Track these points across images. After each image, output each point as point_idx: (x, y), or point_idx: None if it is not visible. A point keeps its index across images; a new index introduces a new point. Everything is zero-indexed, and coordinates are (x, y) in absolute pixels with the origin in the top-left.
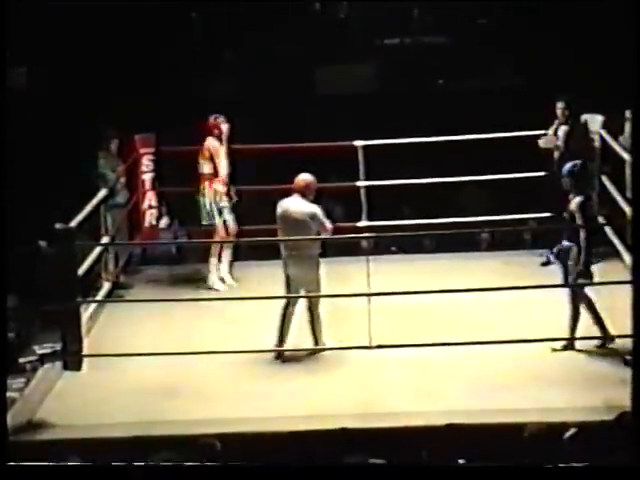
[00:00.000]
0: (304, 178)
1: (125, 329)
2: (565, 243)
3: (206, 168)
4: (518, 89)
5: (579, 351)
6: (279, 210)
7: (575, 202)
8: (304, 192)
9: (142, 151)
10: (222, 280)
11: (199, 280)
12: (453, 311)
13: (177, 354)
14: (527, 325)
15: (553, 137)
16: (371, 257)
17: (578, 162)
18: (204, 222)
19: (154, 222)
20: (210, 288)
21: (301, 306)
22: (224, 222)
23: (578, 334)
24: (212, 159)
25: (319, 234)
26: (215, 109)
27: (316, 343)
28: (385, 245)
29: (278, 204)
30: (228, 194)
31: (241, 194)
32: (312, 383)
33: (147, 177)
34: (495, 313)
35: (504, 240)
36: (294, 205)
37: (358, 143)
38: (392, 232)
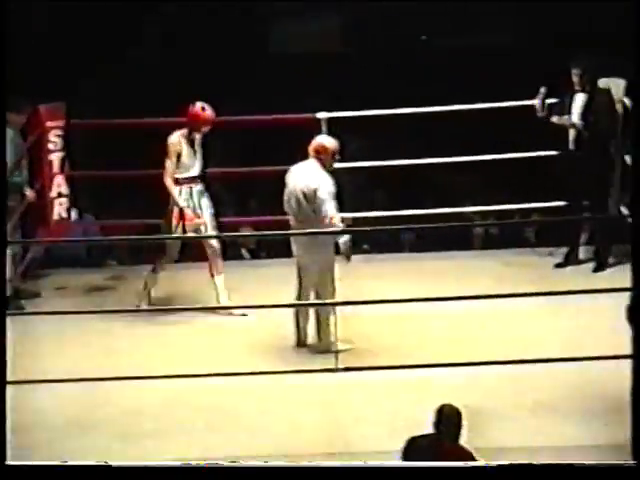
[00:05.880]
0: (321, 139)
1: (28, 349)
2: None
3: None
4: (519, 47)
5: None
6: (287, 177)
7: None
8: (318, 156)
9: (49, 125)
10: None
11: (121, 287)
12: (437, 324)
13: (96, 380)
14: (530, 341)
15: (569, 118)
16: (337, 257)
17: None
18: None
19: (64, 214)
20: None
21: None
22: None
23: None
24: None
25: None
26: (147, 69)
27: (320, 343)
28: (355, 242)
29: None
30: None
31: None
32: (263, 413)
33: (55, 157)
34: (490, 327)
35: (503, 236)
36: (301, 173)
37: (321, 115)
38: (364, 226)
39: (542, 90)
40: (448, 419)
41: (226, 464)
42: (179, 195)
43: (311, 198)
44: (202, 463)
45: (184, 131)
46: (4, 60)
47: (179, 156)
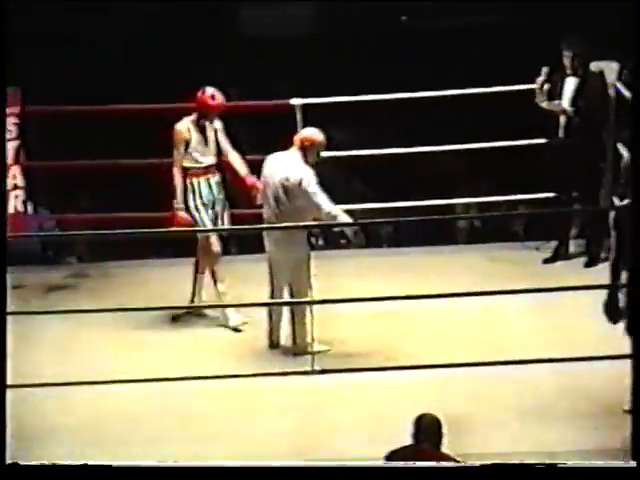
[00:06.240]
0: (309, 132)
1: None
2: None
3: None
4: (509, 28)
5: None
6: (264, 166)
7: None
8: (303, 148)
9: None
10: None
11: (83, 286)
12: (418, 324)
13: (53, 385)
14: (516, 341)
15: (560, 103)
16: (312, 253)
17: None
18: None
19: (20, 208)
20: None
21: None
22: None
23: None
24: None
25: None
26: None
27: (295, 345)
28: (332, 237)
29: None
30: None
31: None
32: (235, 418)
33: (10, 147)
34: (474, 327)
35: (489, 230)
36: (281, 164)
37: (296, 101)
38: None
39: (545, 70)
40: (428, 429)
41: (225, 464)
42: (197, 188)
43: (293, 191)
44: (201, 464)
45: (193, 117)
46: (4, 60)
47: (187, 145)
